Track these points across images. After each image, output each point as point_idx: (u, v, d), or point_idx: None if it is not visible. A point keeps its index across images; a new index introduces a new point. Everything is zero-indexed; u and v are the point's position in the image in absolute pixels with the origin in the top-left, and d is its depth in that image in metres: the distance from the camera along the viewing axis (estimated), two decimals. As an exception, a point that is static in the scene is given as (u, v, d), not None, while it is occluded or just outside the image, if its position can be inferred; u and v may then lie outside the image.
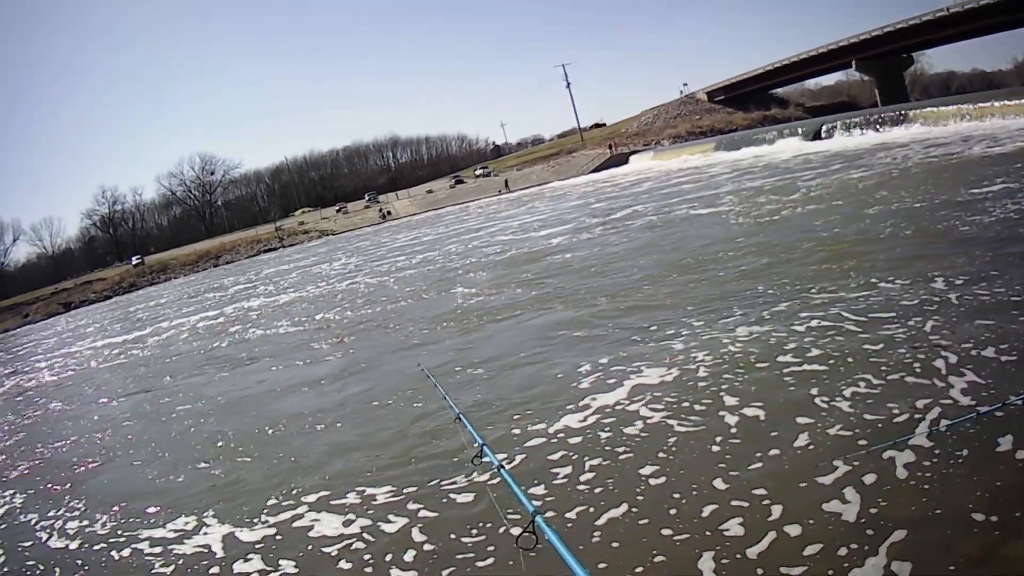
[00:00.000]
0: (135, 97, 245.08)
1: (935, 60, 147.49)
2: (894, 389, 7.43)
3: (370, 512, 7.64)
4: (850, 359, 8.51)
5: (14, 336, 69.53)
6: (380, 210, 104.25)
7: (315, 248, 76.20)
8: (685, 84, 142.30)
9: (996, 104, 37.54)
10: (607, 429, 8.41)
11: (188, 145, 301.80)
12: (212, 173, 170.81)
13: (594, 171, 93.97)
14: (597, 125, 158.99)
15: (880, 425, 6.82)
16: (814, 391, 7.87)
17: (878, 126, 46.39)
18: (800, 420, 7.28)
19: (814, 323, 10.02)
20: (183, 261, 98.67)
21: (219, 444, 11.64)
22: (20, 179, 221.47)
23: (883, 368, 7.95)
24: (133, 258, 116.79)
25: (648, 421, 8.41)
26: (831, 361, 8.60)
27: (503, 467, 4.61)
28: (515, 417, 9.44)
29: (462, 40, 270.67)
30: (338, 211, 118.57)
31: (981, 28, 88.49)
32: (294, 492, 8.54)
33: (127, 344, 30.24)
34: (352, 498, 8.11)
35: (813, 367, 8.57)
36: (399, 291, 24.37)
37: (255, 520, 8.10)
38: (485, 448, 5.04)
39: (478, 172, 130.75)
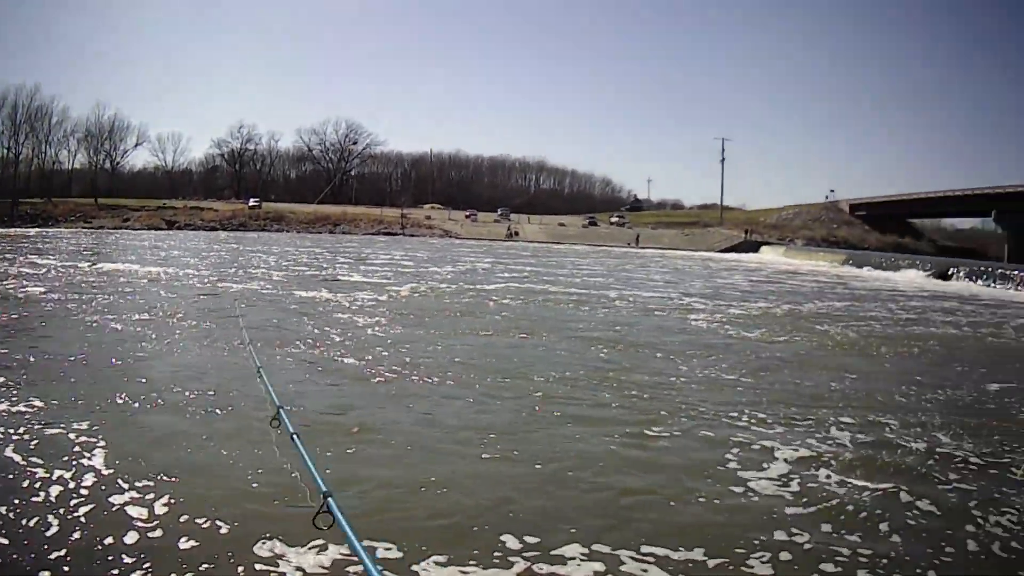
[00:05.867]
0: (292, 46, 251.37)
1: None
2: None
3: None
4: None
5: (106, 233, 72.76)
6: (509, 228, 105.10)
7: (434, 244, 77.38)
8: (832, 191, 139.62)
9: None
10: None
11: (332, 110, 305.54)
12: (355, 143, 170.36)
13: (724, 251, 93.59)
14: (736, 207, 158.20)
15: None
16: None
17: (1006, 281, 46.36)
18: None
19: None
20: (300, 217, 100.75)
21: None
22: (157, 88, 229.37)
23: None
24: (251, 199, 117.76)
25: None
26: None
27: (297, 436, 4.61)
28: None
29: (630, 85, 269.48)
30: (467, 217, 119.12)
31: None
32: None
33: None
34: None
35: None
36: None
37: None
38: (282, 412, 5.11)
39: (613, 219, 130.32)
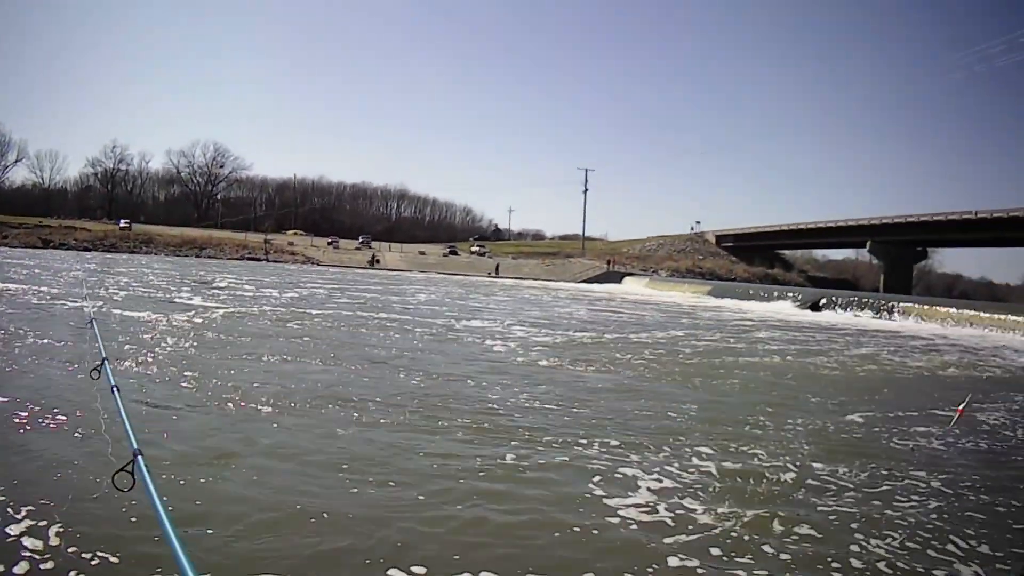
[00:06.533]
0: (168, 63, 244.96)
1: (945, 260, 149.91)
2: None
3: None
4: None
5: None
6: (373, 256, 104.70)
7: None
8: (698, 222, 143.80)
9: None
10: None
11: (205, 130, 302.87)
12: (221, 166, 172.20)
13: (586, 281, 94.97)
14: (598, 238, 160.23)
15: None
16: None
17: (877, 312, 47.59)
18: None
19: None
20: (168, 240, 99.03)
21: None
22: (37, 100, 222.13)
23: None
24: (122, 221, 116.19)
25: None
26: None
27: (117, 389, 4.62)
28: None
29: (492, 113, 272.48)
30: (329, 244, 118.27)
31: (1003, 239, 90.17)
32: None
33: None
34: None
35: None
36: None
37: None
38: (106, 364, 5.18)
39: (474, 249, 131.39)
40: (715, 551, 6.68)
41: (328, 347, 18.41)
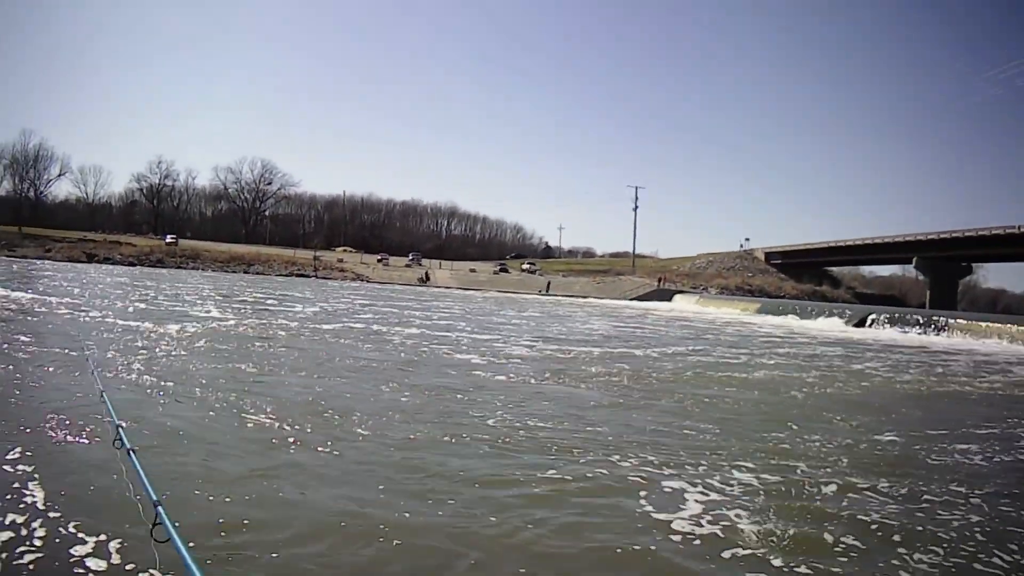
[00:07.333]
0: (215, 79, 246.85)
1: (990, 275, 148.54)
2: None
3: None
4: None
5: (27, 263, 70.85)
6: (426, 273, 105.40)
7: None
8: (747, 239, 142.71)
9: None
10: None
11: (250, 147, 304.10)
12: (269, 183, 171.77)
13: (636, 298, 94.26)
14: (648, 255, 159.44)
15: None
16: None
17: (920, 327, 47.25)
18: None
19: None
20: (215, 256, 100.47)
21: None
22: (82, 117, 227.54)
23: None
24: (168, 236, 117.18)
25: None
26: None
27: (133, 451, 4.65)
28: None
29: (541, 131, 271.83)
30: (379, 261, 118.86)
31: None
32: None
33: None
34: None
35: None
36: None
37: None
38: (120, 430, 5.09)
39: (525, 266, 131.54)
40: (776, 563, 6.66)
41: (305, 361, 17.91)
